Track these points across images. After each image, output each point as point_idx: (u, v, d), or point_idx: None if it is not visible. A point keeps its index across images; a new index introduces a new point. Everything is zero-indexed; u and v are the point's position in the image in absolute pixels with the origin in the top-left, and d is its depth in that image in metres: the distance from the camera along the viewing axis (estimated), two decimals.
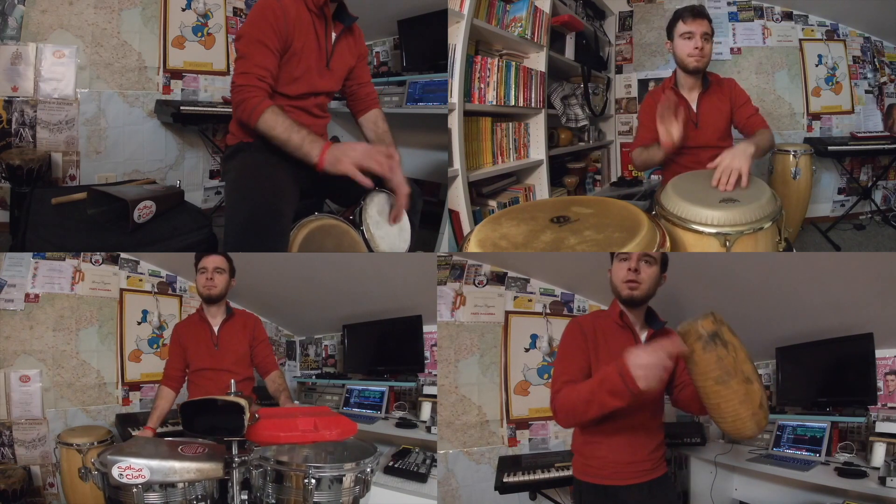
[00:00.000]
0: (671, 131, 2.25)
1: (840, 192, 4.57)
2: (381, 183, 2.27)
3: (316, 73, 2.16)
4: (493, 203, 3.30)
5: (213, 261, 2.34)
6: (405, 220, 2.30)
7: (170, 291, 3.46)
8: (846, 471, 2.30)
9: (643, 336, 1.81)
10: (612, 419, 1.67)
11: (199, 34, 3.84)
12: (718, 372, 1.47)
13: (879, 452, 2.36)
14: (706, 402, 1.55)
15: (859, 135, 4.29)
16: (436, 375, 3.05)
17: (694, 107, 2.53)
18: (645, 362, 1.43)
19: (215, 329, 2.39)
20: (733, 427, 1.53)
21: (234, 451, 1.57)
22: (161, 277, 3.43)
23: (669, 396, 1.86)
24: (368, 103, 2.43)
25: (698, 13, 2.45)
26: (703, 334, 1.48)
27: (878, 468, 2.22)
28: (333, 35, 2.19)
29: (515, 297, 3.14)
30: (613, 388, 1.48)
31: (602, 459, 1.77)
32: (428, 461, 2.91)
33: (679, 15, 2.50)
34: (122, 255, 3.26)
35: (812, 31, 4.48)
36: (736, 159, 1.87)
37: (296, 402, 3.92)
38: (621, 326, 1.79)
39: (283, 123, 1.95)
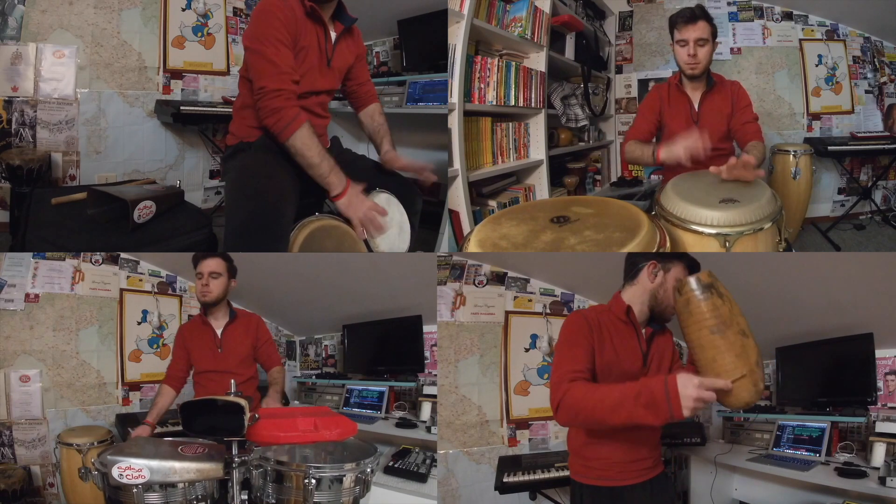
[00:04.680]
0: (673, 156, 2.22)
1: (840, 192, 4.57)
2: (382, 184, 2.28)
3: (318, 72, 2.16)
4: (493, 203, 3.30)
5: (208, 265, 2.32)
6: (405, 221, 2.30)
7: (170, 291, 3.46)
8: (846, 471, 2.30)
9: (644, 332, 1.77)
10: None
11: (199, 34, 3.84)
12: (714, 321, 1.46)
13: (879, 452, 2.36)
14: (701, 357, 1.50)
15: (859, 135, 4.29)
16: (436, 375, 3.05)
17: (696, 105, 2.53)
18: (695, 394, 1.37)
19: (218, 332, 2.39)
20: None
21: (234, 451, 1.58)
22: (161, 277, 3.43)
23: None
24: (367, 99, 2.48)
25: (690, 18, 2.42)
26: (697, 284, 1.49)
27: (878, 468, 2.22)
28: (334, 35, 2.19)
29: (515, 297, 3.14)
30: (653, 403, 1.39)
31: (604, 460, 1.72)
32: (428, 461, 2.91)
33: (672, 22, 2.49)
34: (122, 255, 3.26)
35: (812, 31, 4.48)
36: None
37: (295, 402, 3.93)
38: (625, 323, 1.72)
39: (316, 148, 2.00)
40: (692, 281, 1.49)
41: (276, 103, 1.96)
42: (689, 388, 1.36)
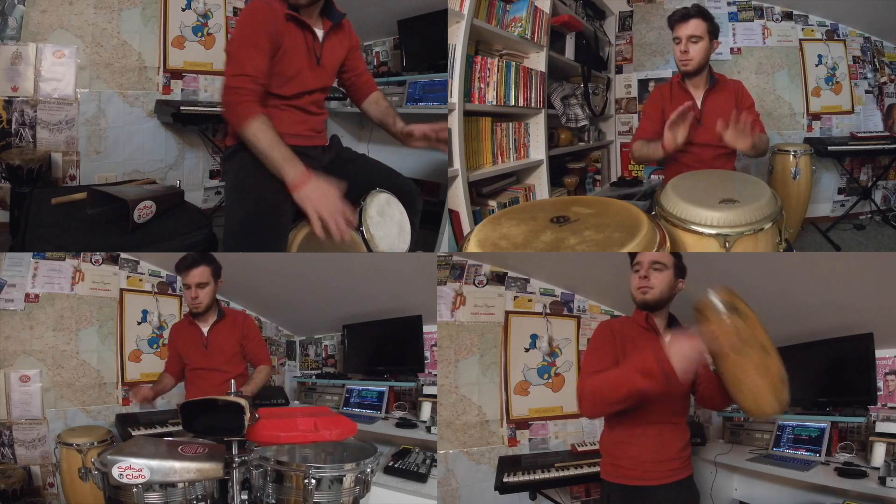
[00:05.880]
0: (677, 136, 2.32)
1: (840, 192, 4.57)
2: (381, 184, 2.28)
3: (309, 71, 2.16)
4: (493, 203, 3.30)
5: (194, 276, 2.35)
6: (405, 220, 2.30)
7: (170, 291, 3.46)
8: (846, 471, 2.30)
9: (667, 338, 1.81)
10: (640, 416, 1.70)
11: (199, 34, 3.84)
12: (735, 340, 1.49)
13: (879, 452, 2.36)
14: (724, 376, 1.57)
15: (859, 135, 4.29)
16: (436, 375, 3.05)
17: (699, 104, 2.54)
18: (685, 349, 1.45)
19: (205, 331, 2.44)
20: (753, 403, 1.54)
21: (234, 451, 1.58)
22: (161, 277, 3.43)
23: (694, 395, 1.87)
24: (368, 89, 2.46)
25: (683, 16, 2.47)
26: (718, 304, 1.49)
27: (878, 468, 2.22)
28: (321, 33, 2.19)
29: (515, 297, 3.14)
30: (646, 369, 1.49)
31: (633, 459, 1.77)
32: (428, 461, 2.91)
33: (669, 21, 2.55)
34: (122, 255, 3.26)
35: (812, 31, 4.47)
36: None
37: (295, 402, 3.93)
38: (646, 329, 1.81)
39: (268, 137, 1.92)
40: (712, 301, 1.50)
41: (230, 97, 1.98)
42: (678, 345, 1.46)
